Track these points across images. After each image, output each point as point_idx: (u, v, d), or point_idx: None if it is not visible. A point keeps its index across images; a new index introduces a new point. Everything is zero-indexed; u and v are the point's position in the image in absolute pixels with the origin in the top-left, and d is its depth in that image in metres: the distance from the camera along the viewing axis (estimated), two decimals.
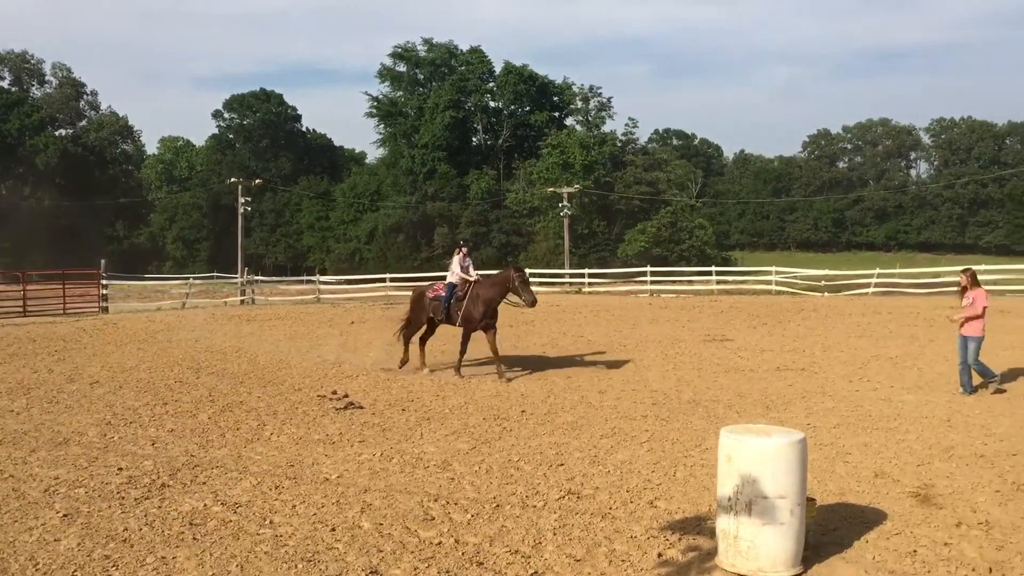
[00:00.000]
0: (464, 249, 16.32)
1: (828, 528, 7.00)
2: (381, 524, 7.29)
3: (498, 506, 7.75)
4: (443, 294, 16.06)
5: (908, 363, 15.91)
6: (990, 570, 6.26)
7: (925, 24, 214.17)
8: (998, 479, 8.39)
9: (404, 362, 16.36)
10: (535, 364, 16.91)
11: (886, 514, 7.37)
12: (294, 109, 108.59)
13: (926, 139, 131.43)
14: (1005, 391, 12.97)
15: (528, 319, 26.30)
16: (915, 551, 6.56)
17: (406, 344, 16.63)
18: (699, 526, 7.13)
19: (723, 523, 6.29)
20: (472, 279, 15.86)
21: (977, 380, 13.12)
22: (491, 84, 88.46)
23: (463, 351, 15.73)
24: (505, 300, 15.68)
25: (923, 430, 10.64)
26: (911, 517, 7.31)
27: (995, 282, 34.29)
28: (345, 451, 9.89)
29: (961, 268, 14.58)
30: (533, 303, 15.08)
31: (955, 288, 14.76)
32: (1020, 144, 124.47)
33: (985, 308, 13.06)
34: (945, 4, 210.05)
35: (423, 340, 16.73)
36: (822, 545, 6.64)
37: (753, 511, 6.11)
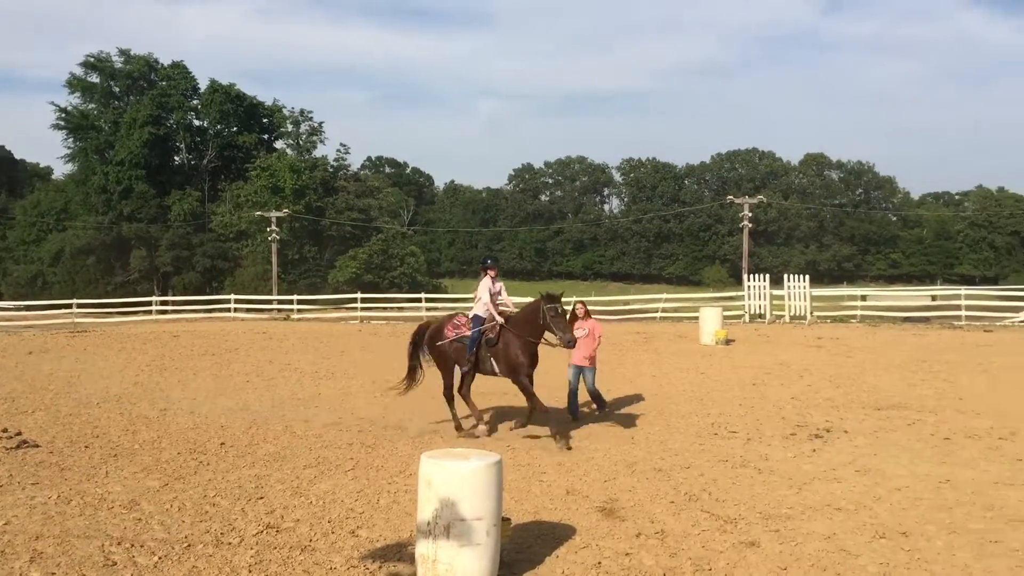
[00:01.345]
0: (492, 270, 12.87)
1: (523, 546, 7.29)
2: (54, 574, 6.63)
3: (189, 546, 7.32)
4: (468, 333, 12.61)
5: (598, 384, 16.96)
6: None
7: (616, 70, 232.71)
8: (673, 491, 9.17)
9: (459, 427, 12.85)
10: (236, 394, 16.24)
11: (575, 529, 7.81)
12: None
13: (617, 177, 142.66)
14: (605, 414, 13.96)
15: (232, 347, 25.27)
16: (600, 563, 6.99)
17: (450, 402, 13.06)
18: (400, 553, 7.15)
19: (422, 548, 6.36)
20: (501, 310, 12.68)
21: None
22: (195, 102, 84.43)
23: (532, 406, 12.32)
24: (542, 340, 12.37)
25: (610, 447, 11.42)
26: (597, 530, 7.80)
27: (675, 310, 37.63)
28: (15, 495, 8.92)
29: (576, 300, 15.67)
30: (571, 343, 12.05)
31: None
32: (696, 184, 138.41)
33: (600, 337, 14.23)
34: (634, 54, 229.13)
35: (465, 392, 13.07)
36: (516, 563, 6.90)
37: (451, 534, 6.23)
